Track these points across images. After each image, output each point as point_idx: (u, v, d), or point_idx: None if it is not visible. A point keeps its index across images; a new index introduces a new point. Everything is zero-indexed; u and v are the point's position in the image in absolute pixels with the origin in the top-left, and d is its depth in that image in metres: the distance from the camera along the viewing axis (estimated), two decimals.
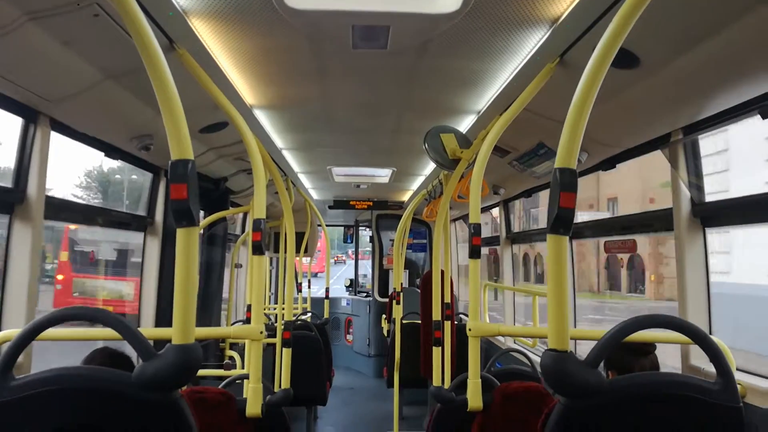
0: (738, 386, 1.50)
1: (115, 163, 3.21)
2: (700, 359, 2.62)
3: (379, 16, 2.15)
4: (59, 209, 3.00)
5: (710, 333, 2.66)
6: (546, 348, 1.45)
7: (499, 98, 2.96)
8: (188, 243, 1.42)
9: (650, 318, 1.51)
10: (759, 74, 2.00)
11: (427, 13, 2.12)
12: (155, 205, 3.96)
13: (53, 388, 1.36)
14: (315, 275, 7.63)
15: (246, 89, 3.04)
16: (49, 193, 2.65)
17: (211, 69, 2.48)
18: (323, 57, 2.62)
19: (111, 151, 3.16)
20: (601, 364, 1.47)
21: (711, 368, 1.49)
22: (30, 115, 2.50)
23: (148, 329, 3.56)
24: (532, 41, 2.33)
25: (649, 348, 2.07)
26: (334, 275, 7.93)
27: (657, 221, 3.17)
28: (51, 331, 1.57)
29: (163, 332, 2.29)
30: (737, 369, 2.42)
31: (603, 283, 23.24)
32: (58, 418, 1.36)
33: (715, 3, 1.70)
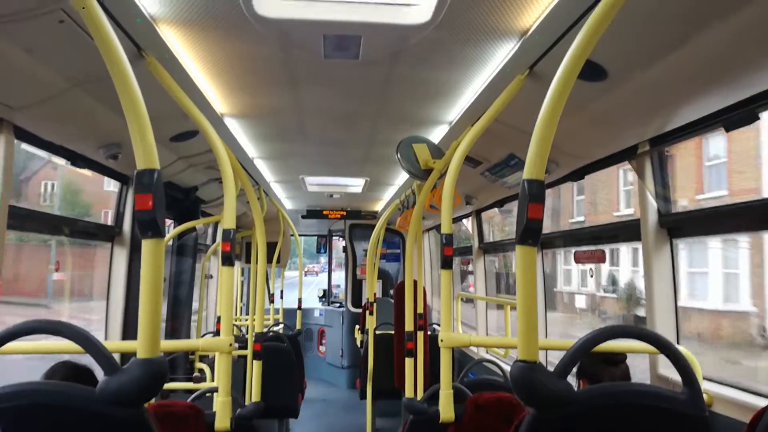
0: (704, 395, 1.52)
1: None
2: (668, 368, 2.65)
3: (350, 26, 2.15)
4: (23, 219, 2.93)
5: (677, 343, 2.70)
6: (516, 360, 1.45)
7: (471, 109, 2.98)
8: (154, 254, 1.39)
9: (618, 328, 1.53)
10: (723, 88, 2.05)
11: (398, 24, 2.13)
12: (123, 215, 3.89)
13: (13, 404, 1.32)
14: None
15: (216, 98, 3.01)
16: None
17: (180, 77, 2.45)
18: (295, 66, 2.61)
19: (77, 160, 3.10)
20: (573, 372, 1.48)
21: (679, 377, 1.51)
22: None
23: (113, 342, 3.49)
24: (502, 53, 2.35)
25: (619, 357, 2.09)
26: (305, 288, 7.84)
27: (625, 232, 3.22)
28: (11, 345, 1.52)
29: (128, 345, 2.24)
30: (704, 378, 2.46)
31: None
32: None
33: (680, 17, 1.74)
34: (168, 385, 3.82)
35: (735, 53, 1.81)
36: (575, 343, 1.45)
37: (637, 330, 1.54)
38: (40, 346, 2.12)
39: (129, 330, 3.81)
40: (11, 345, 1.50)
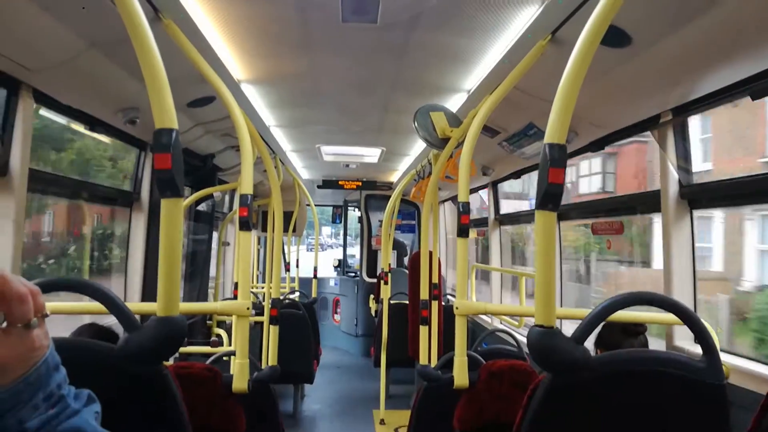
0: (722, 366, 1.51)
1: None
2: (684, 340, 2.64)
3: None
4: (43, 183, 2.96)
5: (696, 313, 2.68)
6: (533, 325, 1.45)
7: (490, 76, 2.93)
8: (172, 214, 1.40)
9: (637, 295, 1.51)
10: (750, 55, 1.99)
11: None
12: (141, 180, 3.92)
13: None
14: None
15: (233, 62, 2.99)
16: None
17: (197, 40, 2.43)
18: (312, 30, 2.58)
19: (95, 125, 3.11)
20: (592, 343, 1.47)
21: (694, 349, 1.50)
22: (12, 86, 2.44)
23: (134, 303, 3.54)
24: (524, 18, 2.30)
25: (639, 328, 2.08)
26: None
27: (644, 203, 3.18)
28: None
29: (148, 306, 2.27)
30: (721, 350, 2.45)
31: None
32: None
33: None
34: (186, 349, 3.89)
35: (763, 19, 1.75)
36: (593, 309, 1.45)
37: (657, 297, 1.53)
38: (60, 306, 2.15)
39: (147, 295, 3.87)
40: None
